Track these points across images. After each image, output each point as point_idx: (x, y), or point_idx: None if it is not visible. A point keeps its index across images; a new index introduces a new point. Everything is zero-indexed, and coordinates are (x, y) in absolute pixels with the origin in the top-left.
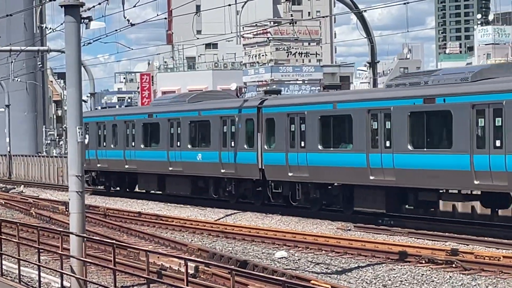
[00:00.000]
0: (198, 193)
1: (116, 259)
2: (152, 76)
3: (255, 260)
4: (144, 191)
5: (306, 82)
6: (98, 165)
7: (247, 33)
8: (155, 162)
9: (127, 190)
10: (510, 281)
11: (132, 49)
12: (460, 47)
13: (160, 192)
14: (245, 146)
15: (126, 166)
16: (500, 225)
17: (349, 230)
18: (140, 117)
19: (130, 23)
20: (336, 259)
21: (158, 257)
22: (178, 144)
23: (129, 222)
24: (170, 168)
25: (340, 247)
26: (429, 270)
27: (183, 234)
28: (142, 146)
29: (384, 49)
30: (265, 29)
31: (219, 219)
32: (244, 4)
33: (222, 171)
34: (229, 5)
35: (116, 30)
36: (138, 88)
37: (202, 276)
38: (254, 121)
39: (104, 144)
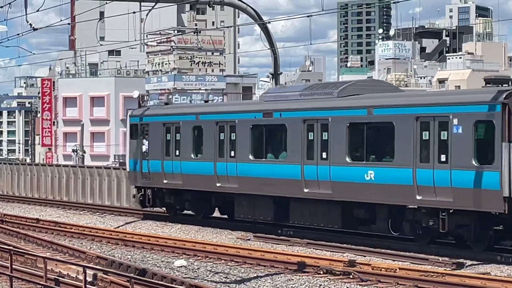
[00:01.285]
0: (352, 226)
1: (13, 266)
2: (54, 82)
3: (154, 268)
4: (242, 218)
5: (209, 91)
6: (165, 181)
7: (151, 41)
8: (279, 181)
9: (209, 215)
10: None
11: (34, 53)
12: (361, 60)
13: (273, 222)
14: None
15: (219, 184)
16: (396, 238)
17: (249, 240)
18: (248, 116)
19: (33, 27)
20: (235, 268)
21: (56, 264)
22: (324, 156)
23: (27, 228)
24: (306, 190)
25: (240, 256)
26: (326, 280)
27: (82, 241)
28: (251, 157)
29: (287, 60)
30: (169, 37)
31: (118, 226)
32: (149, 12)
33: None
34: (134, 12)
35: (18, 35)
36: (38, 93)
37: (100, 284)
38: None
39: (177, 153)
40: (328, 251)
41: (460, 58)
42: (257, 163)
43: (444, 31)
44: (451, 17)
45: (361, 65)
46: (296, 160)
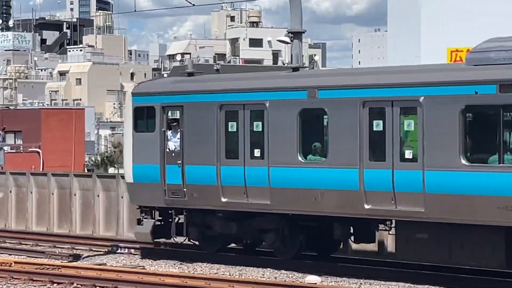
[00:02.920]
0: None
1: None
2: None
3: None
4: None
5: None
6: (225, 200)
7: None
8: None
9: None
10: (21, 286)
11: None
12: None
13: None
14: None
15: (368, 206)
16: None
17: None
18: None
19: None
20: None
21: None
22: None
23: None
24: None
25: None
26: None
27: None
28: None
29: None
30: None
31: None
32: None
33: None
34: None
35: None
36: None
37: None
38: None
39: (258, 153)
40: None
41: (81, 50)
42: None
43: (65, 23)
44: (72, 9)
45: None
46: None
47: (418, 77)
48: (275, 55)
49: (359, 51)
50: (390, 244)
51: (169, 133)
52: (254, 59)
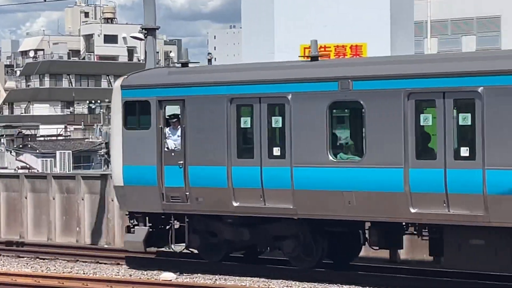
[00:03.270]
0: None
1: None
2: None
3: None
4: None
5: None
6: (237, 204)
7: None
8: None
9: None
10: None
11: None
12: None
13: None
14: None
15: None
16: None
17: None
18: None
19: None
20: None
21: None
22: None
23: None
24: None
25: None
26: None
27: None
28: None
29: None
30: None
31: None
32: None
33: None
34: None
35: None
36: None
37: None
38: None
39: (278, 152)
40: None
41: None
42: None
43: None
44: None
45: None
46: None
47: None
48: (131, 51)
49: (215, 47)
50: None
51: (167, 130)
52: (109, 55)
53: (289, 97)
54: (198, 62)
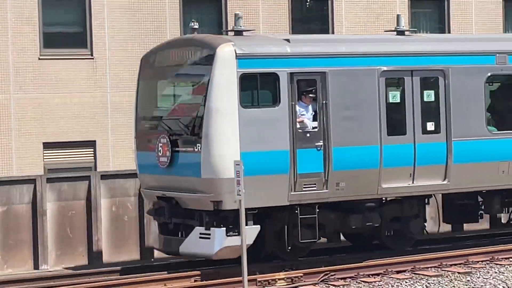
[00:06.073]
0: None
1: None
2: None
3: None
4: None
5: None
6: (385, 186)
7: None
8: None
9: None
10: None
11: None
12: None
13: None
14: None
15: None
16: None
17: None
18: None
19: None
20: None
21: None
22: None
23: None
24: None
25: None
26: None
27: None
28: None
29: None
30: None
31: None
32: None
33: None
34: None
35: None
36: None
37: None
38: None
39: (429, 127)
40: None
41: None
42: None
43: None
44: None
45: None
46: None
47: None
48: None
49: None
50: None
51: (297, 107)
52: None
53: (445, 70)
54: (254, 30)
